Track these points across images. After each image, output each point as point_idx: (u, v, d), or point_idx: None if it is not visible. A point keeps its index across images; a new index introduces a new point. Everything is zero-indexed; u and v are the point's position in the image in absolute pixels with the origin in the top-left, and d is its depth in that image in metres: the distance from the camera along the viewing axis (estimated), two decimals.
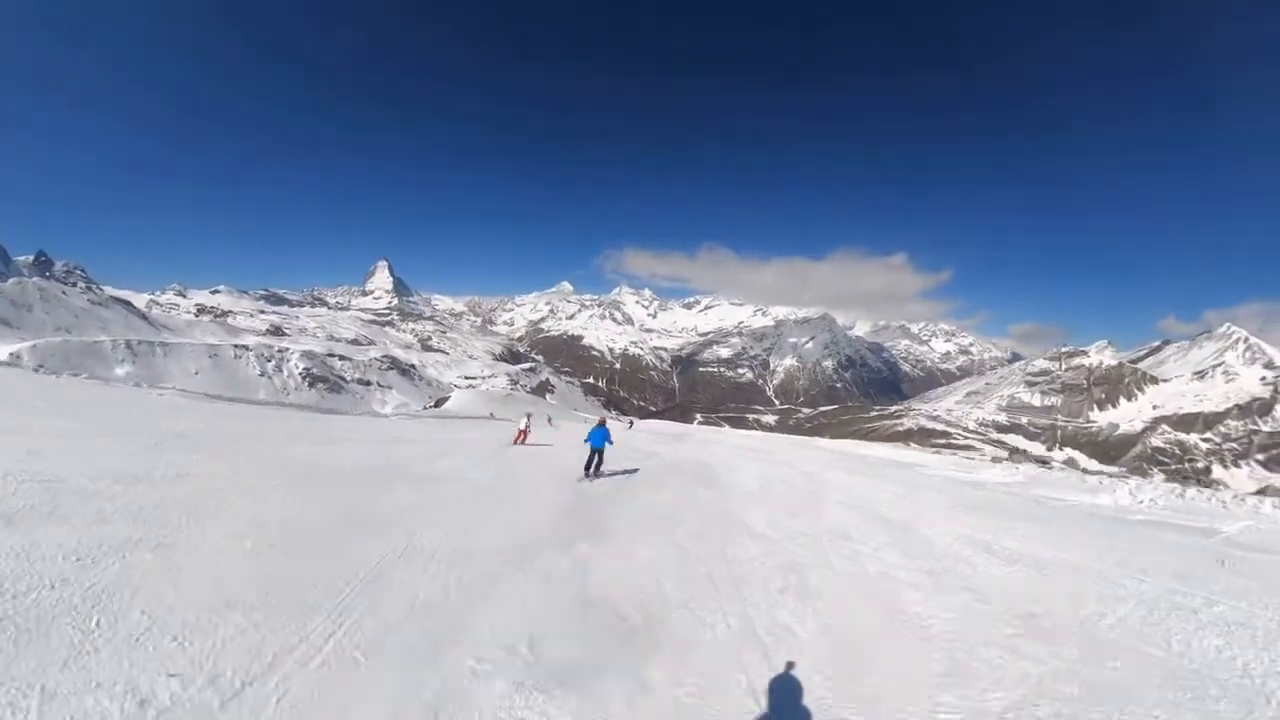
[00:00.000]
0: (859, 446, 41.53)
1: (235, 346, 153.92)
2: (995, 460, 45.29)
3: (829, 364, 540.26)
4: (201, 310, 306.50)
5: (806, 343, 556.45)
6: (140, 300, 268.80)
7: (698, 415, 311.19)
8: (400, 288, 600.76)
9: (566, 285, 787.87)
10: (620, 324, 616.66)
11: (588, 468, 14.33)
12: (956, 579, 7.93)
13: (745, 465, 20.60)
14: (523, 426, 23.15)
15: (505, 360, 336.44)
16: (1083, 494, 16.91)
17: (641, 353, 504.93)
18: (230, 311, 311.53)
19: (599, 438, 14.54)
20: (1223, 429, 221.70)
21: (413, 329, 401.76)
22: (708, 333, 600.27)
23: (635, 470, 16.77)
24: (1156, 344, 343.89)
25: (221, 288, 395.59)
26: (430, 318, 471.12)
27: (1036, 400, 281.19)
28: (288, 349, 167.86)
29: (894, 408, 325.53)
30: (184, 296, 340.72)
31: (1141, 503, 15.97)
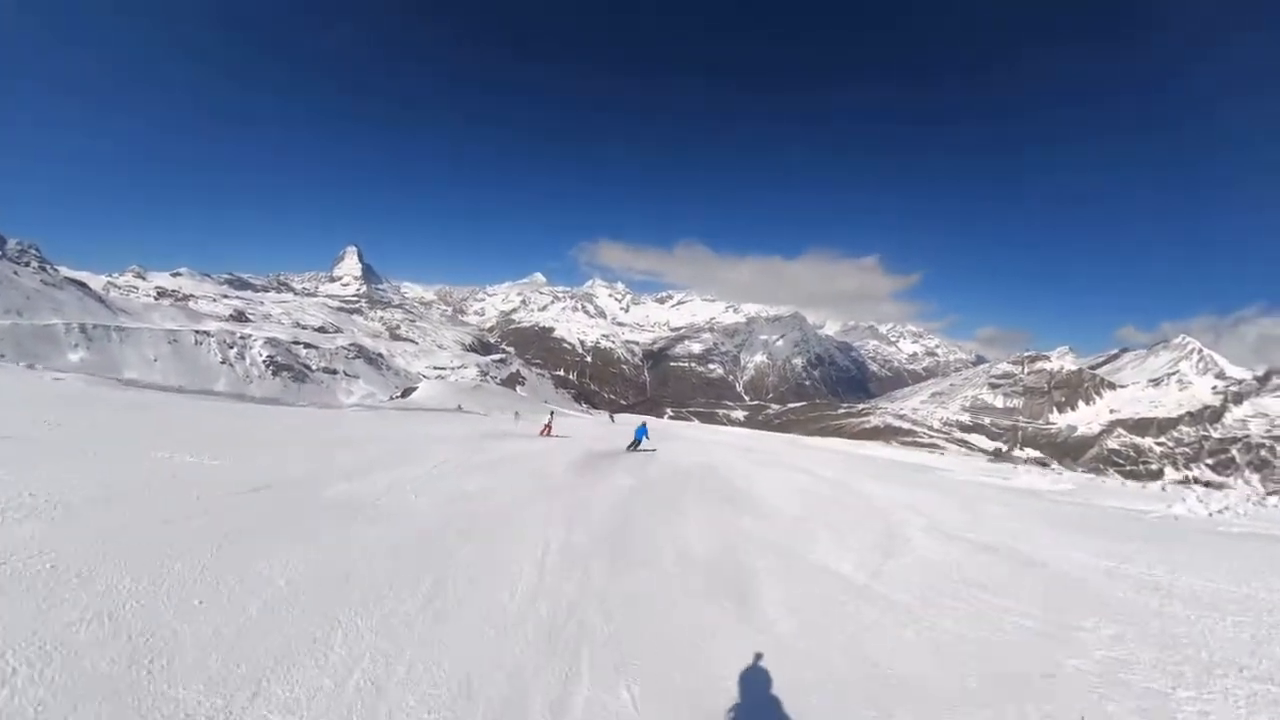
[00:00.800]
0: (855, 446, 39.48)
1: (196, 332, 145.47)
2: (991, 461, 43.70)
3: (799, 362, 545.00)
4: (161, 293, 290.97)
5: (777, 340, 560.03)
6: (97, 282, 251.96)
7: (668, 409, 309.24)
8: (369, 275, 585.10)
9: (539, 276, 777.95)
10: (593, 317, 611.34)
11: (630, 447, 21.64)
12: (1203, 651, 5.68)
13: (756, 472, 17.76)
14: (548, 421, 27.73)
15: (475, 351, 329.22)
16: (1156, 503, 14.82)
17: (613, 346, 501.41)
18: (192, 295, 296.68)
19: (640, 432, 22.45)
20: (1175, 434, 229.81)
21: (381, 317, 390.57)
22: (680, 328, 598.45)
23: (654, 450, 21.51)
24: (1115, 351, 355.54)
25: (183, 270, 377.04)
26: (400, 306, 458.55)
27: (999, 402, 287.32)
28: (251, 335, 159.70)
29: (861, 406, 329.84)
30: (143, 279, 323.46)
31: (1222, 511, 14.03)
